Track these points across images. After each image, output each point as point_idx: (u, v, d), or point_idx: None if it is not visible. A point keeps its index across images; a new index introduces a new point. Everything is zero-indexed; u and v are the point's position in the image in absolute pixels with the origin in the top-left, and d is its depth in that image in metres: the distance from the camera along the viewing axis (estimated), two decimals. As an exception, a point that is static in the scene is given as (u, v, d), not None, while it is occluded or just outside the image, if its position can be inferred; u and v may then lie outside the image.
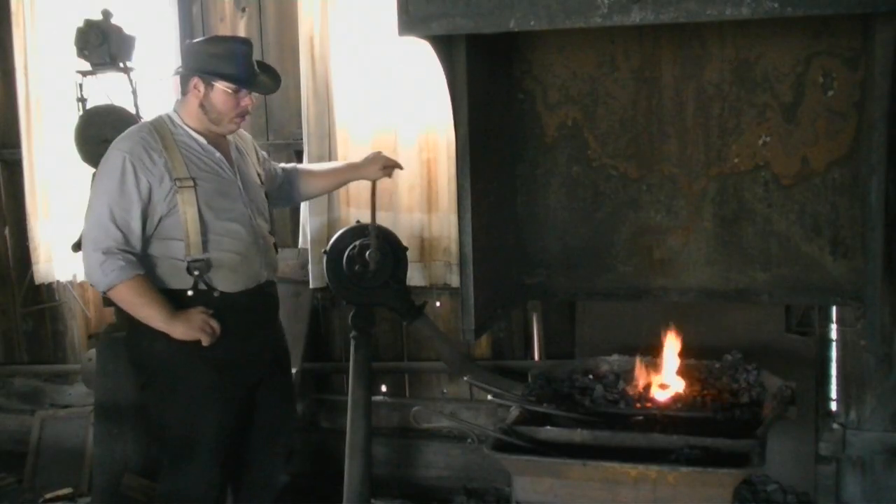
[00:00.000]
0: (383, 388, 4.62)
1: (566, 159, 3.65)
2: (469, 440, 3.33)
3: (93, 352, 4.39)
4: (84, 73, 4.14)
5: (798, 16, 2.56)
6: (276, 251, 3.54)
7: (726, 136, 3.48)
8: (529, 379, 3.59)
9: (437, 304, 4.47)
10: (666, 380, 3.48)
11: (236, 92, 3.20)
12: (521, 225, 3.72)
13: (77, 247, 4.12)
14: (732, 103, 3.45)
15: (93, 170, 4.12)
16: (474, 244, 3.19)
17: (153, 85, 4.50)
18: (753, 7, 2.55)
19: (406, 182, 4.28)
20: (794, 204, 3.46)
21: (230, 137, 3.40)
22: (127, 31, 4.13)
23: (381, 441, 4.43)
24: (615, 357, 3.69)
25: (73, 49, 4.08)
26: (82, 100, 4.15)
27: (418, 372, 4.61)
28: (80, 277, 4.88)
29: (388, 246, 3.82)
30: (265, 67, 3.41)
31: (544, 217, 3.70)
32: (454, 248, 4.22)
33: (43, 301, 5.14)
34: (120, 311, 4.16)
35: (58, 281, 4.98)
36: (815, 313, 3.97)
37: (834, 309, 3.92)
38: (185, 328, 3.15)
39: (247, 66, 3.23)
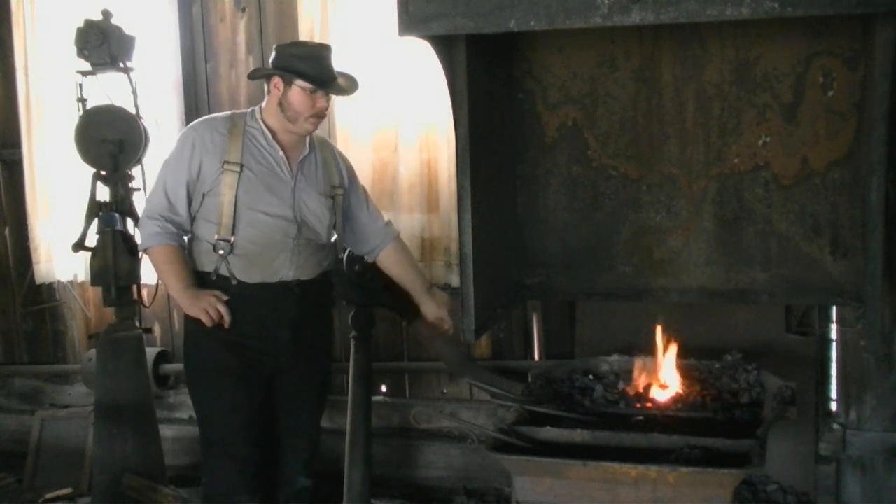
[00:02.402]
0: (383, 388, 4.62)
1: (566, 159, 3.65)
2: (469, 440, 3.33)
3: (93, 352, 4.38)
4: (84, 73, 4.14)
5: (798, 16, 2.56)
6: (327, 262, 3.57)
7: (726, 136, 3.48)
8: (529, 379, 3.59)
9: (438, 304, 4.46)
10: (666, 380, 3.48)
11: (313, 92, 3.30)
12: (521, 225, 3.73)
13: (77, 247, 4.14)
14: (732, 103, 3.45)
15: (93, 170, 4.14)
16: (474, 244, 3.19)
17: (153, 85, 4.51)
18: (753, 7, 2.55)
19: (406, 182, 4.27)
20: (794, 204, 3.46)
21: (313, 148, 3.47)
22: (127, 31, 4.13)
23: (381, 441, 4.42)
24: (615, 357, 3.70)
25: (73, 49, 4.08)
26: (82, 100, 4.15)
27: (418, 372, 4.61)
28: (81, 277, 4.88)
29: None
30: (343, 73, 3.48)
31: (544, 217, 3.70)
32: (454, 248, 4.21)
33: (43, 301, 5.14)
34: (120, 311, 4.19)
35: (58, 281, 4.97)
36: (815, 313, 3.97)
37: (834, 309, 3.91)
38: (191, 303, 3.32)
39: (325, 68, 3.33)
